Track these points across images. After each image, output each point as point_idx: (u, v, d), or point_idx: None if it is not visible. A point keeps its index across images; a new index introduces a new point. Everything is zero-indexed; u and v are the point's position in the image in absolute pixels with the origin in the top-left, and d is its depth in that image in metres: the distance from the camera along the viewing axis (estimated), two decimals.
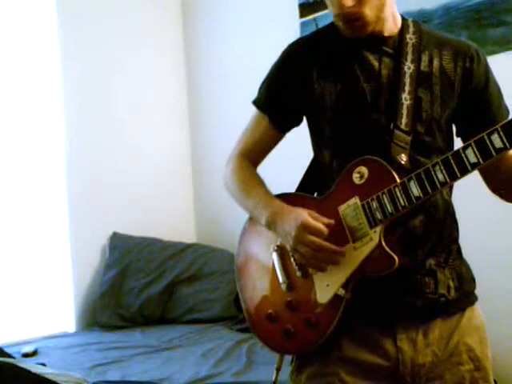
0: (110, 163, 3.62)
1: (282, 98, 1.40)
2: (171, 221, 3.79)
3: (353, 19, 1.26)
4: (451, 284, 1.32)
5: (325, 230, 1.24)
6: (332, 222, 1.26)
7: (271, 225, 1.33)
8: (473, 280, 1.39)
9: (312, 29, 3.06)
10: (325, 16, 3.00)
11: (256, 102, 1.46)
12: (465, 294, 1.35)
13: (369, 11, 1.26)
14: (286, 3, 3.31)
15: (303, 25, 3.19)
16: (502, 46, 2.45)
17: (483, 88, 1.34)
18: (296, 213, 1.28)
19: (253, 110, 1.46)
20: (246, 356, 2.61)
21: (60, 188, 3.44)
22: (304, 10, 3.20)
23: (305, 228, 1.24)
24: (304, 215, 1.26)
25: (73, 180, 3.45)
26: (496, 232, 2.49)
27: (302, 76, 1.35)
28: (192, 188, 3.99)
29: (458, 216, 1.38)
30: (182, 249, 3.57)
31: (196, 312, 3.34)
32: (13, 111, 3.34)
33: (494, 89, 1.37)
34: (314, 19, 3.12)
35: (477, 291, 1.39)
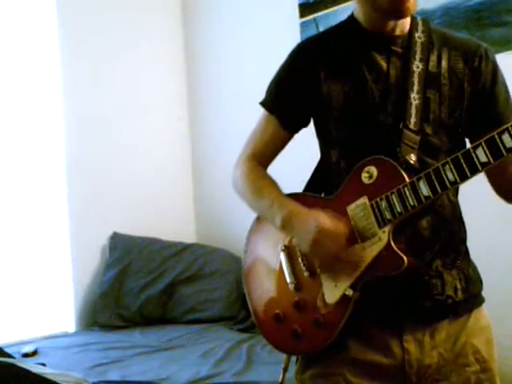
0: (110, 163, 3.61)
1: (291, 98, 1.39)
2: (171, 221, 3.78)
3: None
4: (458, 285, 1.31)
5: (343, 235, 1.23)
6: (347, 228, 1.25)
7: (287, 225, 1.31)
8: (480, 281, 1.38)
9: (312, 29, 3.06)
10: (325, 16, 2.99)
11: (264, 104, 1.44)
12: (472, 295, 1.34)
13: None
14: (286, 3, 3.30)
15: (303, 25, 3.18)
16: (502, 45, 2.44)
17: (490, 86, 1.33)
18: (314, 214, 1.26)
19: (260, 112, 1.44)
20: (246, 356, 2.62)
21: (60, 188, 3.44)
22: (304, 9, 3.19)
23: (323, 232, 1.23)
24: (323, 218, 1.24)
25: (73, 180, 3.45)
26: (502, 233, 2.48)
27: (309, 76, 1.34)
28: (192, 188, 3.98)
29: (464, 217, 1.37)
30: (182, 249, 3.57)
31: (196, 312, 3.34)
32: (12, 111, 3.34)
33: (501, 86, 1.35)
34: (314, 19, 3.12)
35: (483, 292, 1.38)
